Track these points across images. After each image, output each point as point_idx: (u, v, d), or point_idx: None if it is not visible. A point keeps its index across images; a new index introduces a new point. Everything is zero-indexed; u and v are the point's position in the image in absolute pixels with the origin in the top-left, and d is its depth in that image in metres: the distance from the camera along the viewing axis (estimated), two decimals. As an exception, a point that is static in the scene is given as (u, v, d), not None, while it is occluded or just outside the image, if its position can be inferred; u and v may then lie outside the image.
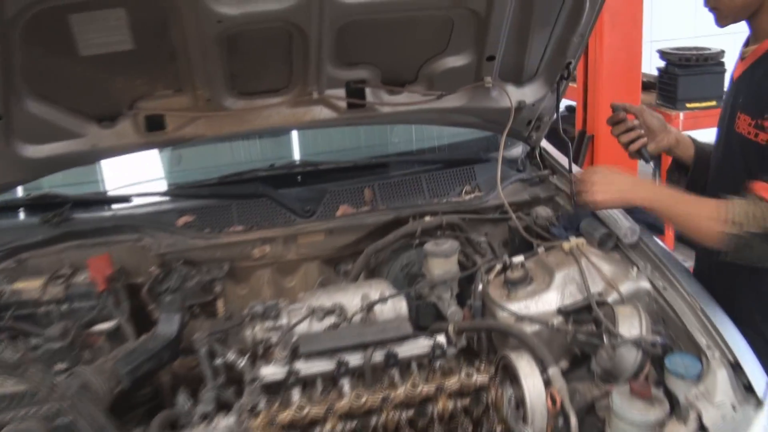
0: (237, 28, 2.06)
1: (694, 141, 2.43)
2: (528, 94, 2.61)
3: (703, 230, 1.95)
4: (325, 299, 2.24)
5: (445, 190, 2.71)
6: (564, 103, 7.08)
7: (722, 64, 4.82)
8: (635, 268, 2.20)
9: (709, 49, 4.81)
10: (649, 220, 2.38)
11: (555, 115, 2.69)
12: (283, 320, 2.09)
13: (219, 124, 2.45)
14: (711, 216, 1.92)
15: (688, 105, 4.80)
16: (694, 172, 2.39)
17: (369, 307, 2.18)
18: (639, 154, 2.43)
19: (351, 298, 2.24)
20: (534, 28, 2.32)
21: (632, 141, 2.41)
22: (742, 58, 2.11)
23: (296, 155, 3.10)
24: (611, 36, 4.82)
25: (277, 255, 2.56)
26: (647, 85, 5.42)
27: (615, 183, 2.12)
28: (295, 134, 3.07)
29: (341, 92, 2.44)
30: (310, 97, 2.40)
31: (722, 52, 4.81)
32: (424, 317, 2.52)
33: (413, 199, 2.66)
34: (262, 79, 2.38)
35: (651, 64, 5.93)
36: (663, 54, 4.96)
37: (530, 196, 2.75)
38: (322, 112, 2.49)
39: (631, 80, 5.03)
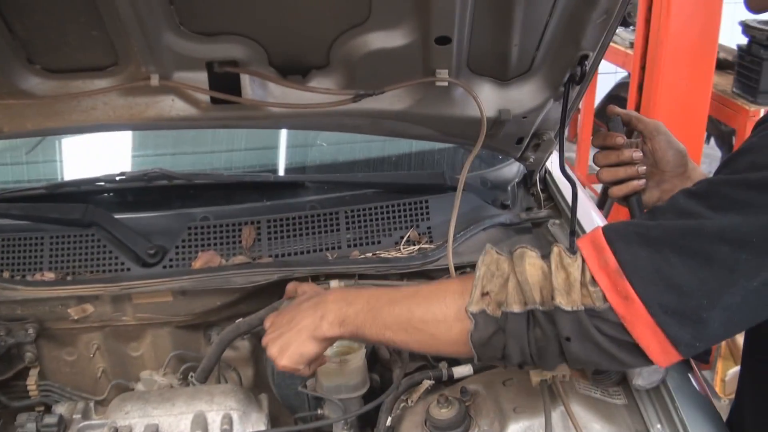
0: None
1: None
2: (516, 99, 1.61)
3: (444, 324, 1.13)
4: (137, 415, 1.46)
5: (376, 234, 1.76)
6: (619, 74, 5.94)
7: (827, 48, 3.63)
8: (647, 438, 1.27)
9: (813, 26, 3.63)
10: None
11: (560, 134, 1.70)
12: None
13: (20, 116, 1.59)
14: (457, 291, 1.13)
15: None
16: None
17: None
18: (626, 202, 1.48)
19: (176, 420, 1.46)
20: (519, -4, 1.31)
21: (621, 181, 1.46)
22: None
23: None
24: (682, -6, 3.67)
25: (105, 317, 1.70)
26: (723, 64, 4.25)
27: (295, 324, 1.26)
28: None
29: (203, 77, 1.51)
30: (148, 82, 1.47)
31: (829, 32, 3.62)
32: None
33: (319, 247, 1.72)
34: (73, 50, 1.47)
35: (731, 35, 4.72)
36: (747, 28, 3.78)
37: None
38: (174, 107, 1.56)
39: (704, 56, 3.86)
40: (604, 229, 1.05)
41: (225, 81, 1.50)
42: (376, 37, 1.41)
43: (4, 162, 2.17)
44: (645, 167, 1.46)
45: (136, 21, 1.30)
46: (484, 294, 1.09)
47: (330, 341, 1.26)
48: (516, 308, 1.06)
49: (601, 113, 5.28)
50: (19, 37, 1.42)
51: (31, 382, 1.77)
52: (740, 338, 3.74)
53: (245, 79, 1.51)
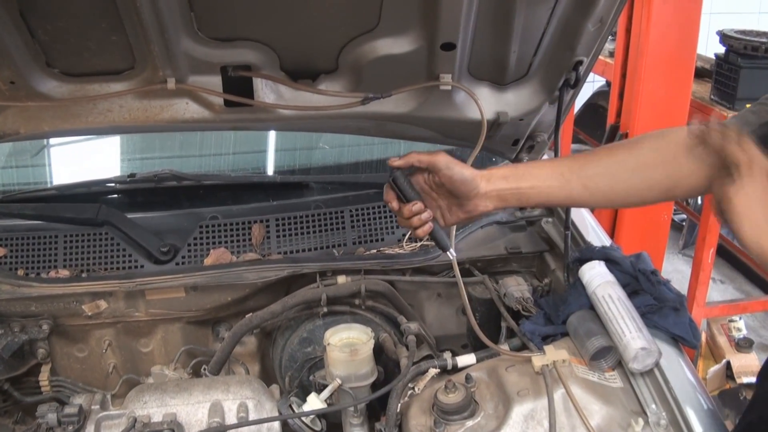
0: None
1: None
2: (513, 103, 1.70)
3: None
4: (155, 405, 1.50)
5: (379, 232, 1.84)
6: (597, 83, 6.10)
7: (801, 56, 3.77)
8: (640, 421, 1.34)
9: (786, 36, 3.77)
10: (675, 330, 1.49)
11: (553, 136, 1.79)
12: (88, 438, 1.42)
13: (36, 118, 1.66)
14: None
15: (749, 106, 3.78)
16: None
17: (214, 436, 1.40)
18: (434, 239, 1.50)
19: (194, 409, 1.49)
20: (521, 5, 1.40)
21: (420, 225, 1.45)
22: None
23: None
24: (663, 6, 3.79)
25: (118, 313, 1.75)
26: (701, 73, 4.39)
27: None
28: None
29: (217, 81, 1.57)
30: (165, 86, 1.54)
31: (802, 41, 3.76)
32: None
33: (325, 244, 1.79)
34: (92, 55, 1.53)
35: (707, 44, 4.86)
36: (724, 38, 3.92)
37: (508, 250, 1.88)
38: (188, 110, 1.63)
39: (683, 64, 3.98)
40: None
41: (238, 85, 1.57)
42: (384, 44, 1.49)
43: (10, 165, 2.22)
44: (427, 213, 1.44)
45: (158, 27, 1.37)
46: None
47: None
48: None
49: (581, 121, 5.41)
50: (40, 42, 1.47)
51: (44, 377, 1.81)
52: (720, 338, 3.82)
53: (257, 83, 1.58)
